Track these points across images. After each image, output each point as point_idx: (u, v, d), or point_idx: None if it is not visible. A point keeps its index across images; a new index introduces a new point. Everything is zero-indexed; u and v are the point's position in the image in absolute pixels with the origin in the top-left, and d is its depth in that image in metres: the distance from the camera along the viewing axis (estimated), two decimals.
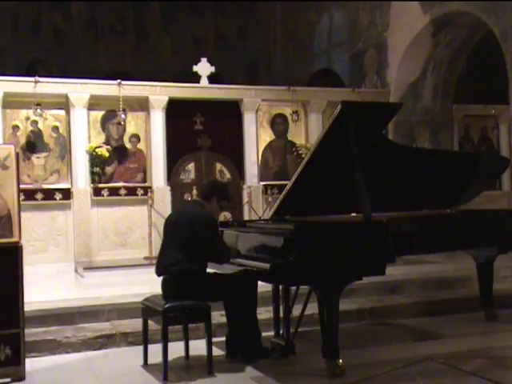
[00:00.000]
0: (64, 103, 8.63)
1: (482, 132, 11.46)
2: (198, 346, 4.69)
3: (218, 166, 9.47)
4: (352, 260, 4.18)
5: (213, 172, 9.40)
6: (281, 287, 4.78)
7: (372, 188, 4.37)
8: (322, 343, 4.30)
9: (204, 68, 9.51)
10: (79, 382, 4.35)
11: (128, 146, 9.02)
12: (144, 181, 9.03)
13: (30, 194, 8.29)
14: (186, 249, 4.39)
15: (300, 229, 4.13)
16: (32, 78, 8.39)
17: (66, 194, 8.53)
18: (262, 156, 9.68)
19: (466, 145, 11.28)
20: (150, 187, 8.92)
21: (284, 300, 4.74)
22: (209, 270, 4.62)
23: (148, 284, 5.69)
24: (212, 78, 9.57)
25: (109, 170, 8.83)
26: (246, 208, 9.33)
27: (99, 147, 8.65)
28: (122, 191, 8.82)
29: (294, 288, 4.79)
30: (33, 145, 8.51)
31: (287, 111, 9.75)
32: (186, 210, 4.78)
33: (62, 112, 8.69)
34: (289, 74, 14.33)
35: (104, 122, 8.89)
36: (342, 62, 12.40)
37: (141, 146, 9.06)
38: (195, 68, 9.51)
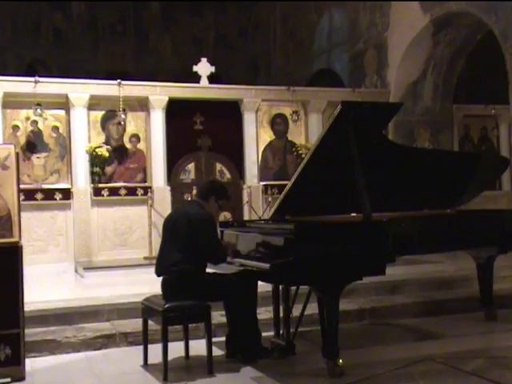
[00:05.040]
0: (64, 103, 8.63)
1: (481, 132, 11.46)
2: (198, 346, 4.69)
3: (218, 166, 9.47)
4: (352, 260, 4.18)
5: (213, 172, 9.40)
6: (281, 287, 4.78)
7: (372, 188, 4.37)
8: (322, 343, 4.30)
9: (204, 68, 9.51)
10: (79, 381, 4.35)
11: (128, 146, 9.02)
12: (144, 181, 9.03)
13: (30, 194, 8.29)
14: (185, 249, 4.39)
15: (300, 229, 4.12)
16: (32, 78, 8.39)
17: (66, 194, 8.54)
18: (261, 156, 9.68)
19: (466, 145, 11.28)
20: (150, 187, 8.93)
21: (284, 300, 4.74)
22: (209, 270, 4.63)
23: (148, 284, 5.68)
24: (212, 78, 9.57)
25: (109, 169, 8.83)
26: (245, 208, 9.33)
27: (99, 147, 8.65)
28: (122, 191, 8.82)
29: (294, 288, 4.79)
30: (33, 145, 8.51)
31: (287, 111, 9.75)
32: (185, 210, 4.78)
33: (62, 112, 8.69)
34: (289, 74, 14.34)
35: (104, 122, 8.89)
36: (342, 62, 12.40)
37: (141, 146, 9.06)
38: (195, 68, 9.51)
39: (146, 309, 4.56)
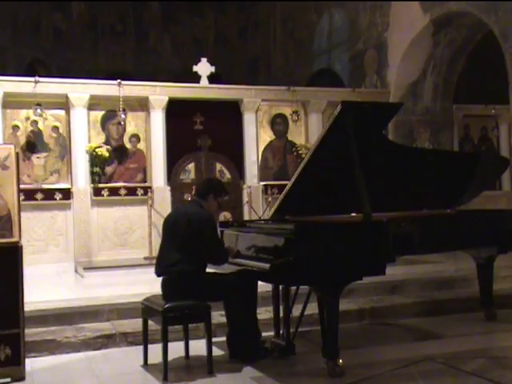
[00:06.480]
0: (64, 103, 8.64)
1: (481, 132, 11.46)
2: (198, 346, 4.69)
3: (218, 166, 9.48)
4: (352, 260, 4.18)
5: (213, 172, 9.40)
6: (281, 287, 4.78)
7: (372, 188, 4.37)
8: (322, 343, 4.30)
9: (204, 68, 9.51)
10: (79, 382, 4.35)
11: (128, 146, 9.02)
12: (144, 181, 9.03)
13: (30, 194, 8.29)
14: (184, 249, 4.39)
15: (300, 229, 4.12)
16: (32, 78, 8.39)
17: (66, 194, 8.54)
18: (261, 156, 9.69)
19: (466, 145, 11.28)
20: (150, 187, 8.93)
21: (284, 300, 4.74)
22: (208, 270, 4.62)
23: (148, 284, 5.68)
24: (212, 78, 9.58)
25: (109, 169, 8.84)
26: (245, 208, 9.33)
27: (99, 147, 8.65)
28: (122, 191, 8.82)
29: (294, 288, 4.79)
30: (33, 145, 8.51)
31: (287, 111, 9.76)
32: (184, 209, 4.77)
33: (62, 112, 8.69)
34: (289, 74, 14.35)
35: (104, 122, 8.89)
36: (342, 62, 12.41)
37: (141, 146, 9.07)
38: (195, 68, 9.52)
39: (146, 309, 4.56)
